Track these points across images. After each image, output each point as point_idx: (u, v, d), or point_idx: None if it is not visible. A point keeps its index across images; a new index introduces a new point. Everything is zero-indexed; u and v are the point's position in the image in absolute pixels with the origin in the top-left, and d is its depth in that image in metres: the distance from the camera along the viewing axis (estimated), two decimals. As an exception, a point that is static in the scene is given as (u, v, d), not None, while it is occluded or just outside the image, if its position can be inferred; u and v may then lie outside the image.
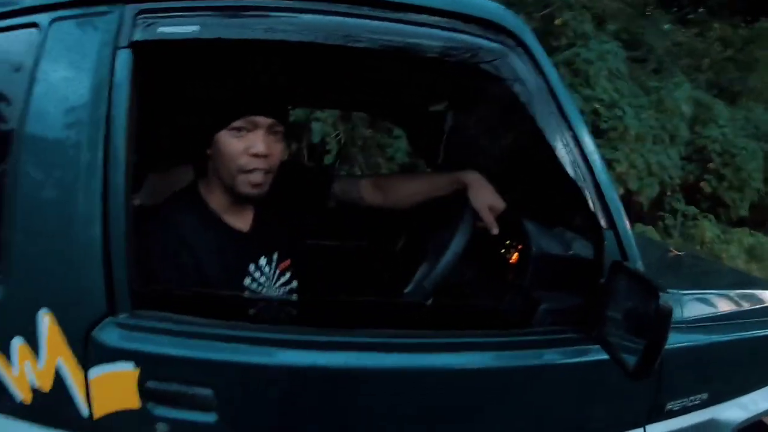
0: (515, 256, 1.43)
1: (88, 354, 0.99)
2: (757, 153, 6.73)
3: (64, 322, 0.99)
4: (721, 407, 1.46)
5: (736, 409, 1.51)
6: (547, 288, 1.27)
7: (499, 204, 1.34)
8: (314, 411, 1.07)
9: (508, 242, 1.44)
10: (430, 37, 1.03)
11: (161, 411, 1.01)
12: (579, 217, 1.28)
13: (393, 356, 1.09)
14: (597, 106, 5.52)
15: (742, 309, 1.58)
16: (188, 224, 1.24)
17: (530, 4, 6.05)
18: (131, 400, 1.00)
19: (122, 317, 0.99)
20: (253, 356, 1.03)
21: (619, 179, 5.53)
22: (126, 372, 1.00)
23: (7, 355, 1.00)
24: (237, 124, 1.22)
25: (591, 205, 1.13)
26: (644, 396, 1.29)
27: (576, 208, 1.18)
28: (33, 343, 1.00)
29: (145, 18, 0.98)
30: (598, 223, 1.14)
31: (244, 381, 1.04)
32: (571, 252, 1.36)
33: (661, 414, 1.33)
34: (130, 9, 0.99)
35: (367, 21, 1.01)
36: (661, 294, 0.96)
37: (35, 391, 1.00)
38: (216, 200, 1.31)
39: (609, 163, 5.15)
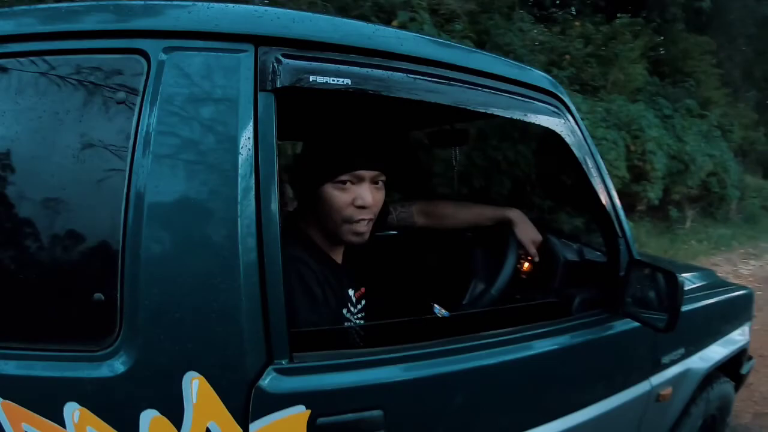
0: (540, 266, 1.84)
1: (252, 409, 1.00)
2: (618, 142, 7.40)
3: (219, 382, 0.98)
4: (693, 359, 2.06)
5: (701, 360, 2.14)
6: (574, 286, 1.74)
7: (539, 237, 1.74)
8: (466, 409, 1.26)
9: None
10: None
11: None
12: (602, 229, 1.70)
13: (506, 350, 1.36)
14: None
15: (694, 286, 2.21)
16: (308, 260, 1.33)
17: (367, 6, 5.96)
18: None
19: (283, 363, 1.03)
20: (414, 371, 1.18)
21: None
22: (296, 416, 1.03)
23: None
24: (343, 177, 1.33)
25: (613, 221, 1.62)
26: (648, 355, 1.81)
27: (600, 223, 1.65)
28: (172, 412, 0.96)
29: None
30: (617, 233, 1.62)
31: (408, 395, 1.16)
32: (585, 258, 1.90)
33: (659, 366, 1.85)
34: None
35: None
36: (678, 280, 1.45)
37: None
38: (318, 237, 1.42)
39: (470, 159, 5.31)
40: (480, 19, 8.67)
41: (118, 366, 0.94)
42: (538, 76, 1.47)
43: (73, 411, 0.94)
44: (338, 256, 1.46)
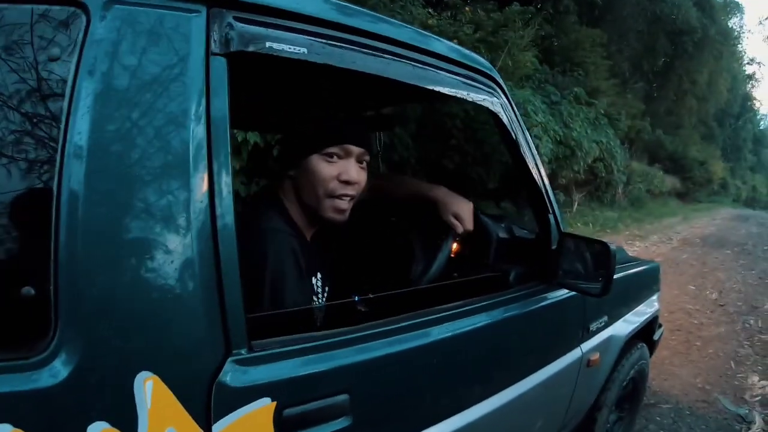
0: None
1: (214, 408, 0.92)
2: None
3: (175, 382, 0.88)
4: (614, 326, 2.32)
5: (622, 327, 2.41)
6: (508, 261, 1.84)
7: (465, 209, 1.75)
8: (427, 378, 1.33)
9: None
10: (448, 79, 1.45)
11: None
12: (531, 205, 1.82)
13: (457, 324, 1.43)
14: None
15: None
16: (289, 233, 1.36)
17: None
18: None
19: (243, 353, 0.96)
20: (374, 351, 1.18)
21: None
22: (261, 409, 0.98)
23: None
24: (332, 150, 1.35)
25: (544, 197, 1.76)
26: (579, 323, 2.00)
27: (532, 199, 1.78)
28: (124, 421, 0.85)
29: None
30: (547, 208, 1.76)
31: (370, 375, 1.18)
32: (515, 235, 1.97)
33: (587, 334, 2.05)
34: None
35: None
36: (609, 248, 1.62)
37: None
38: (295, 212, 1.43)
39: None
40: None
41: (55, 373, 0.80)
42: (477, 59, 1.57)
43: None
44: (308, 235, 1.47)
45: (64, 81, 0.84)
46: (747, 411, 4.09)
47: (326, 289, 1.49)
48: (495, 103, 1.59)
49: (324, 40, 1.12)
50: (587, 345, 2.07)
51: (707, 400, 4.24)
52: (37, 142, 0.83)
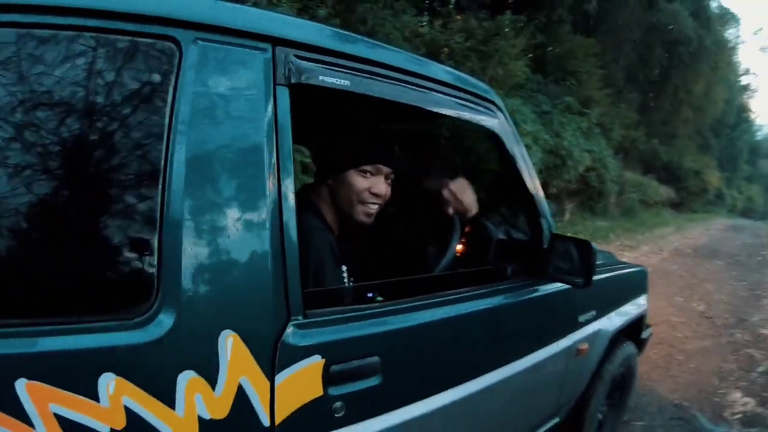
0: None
1: (278, 362, 1.17)
2: None
3: (250, 339, 1.13)
4: (602, 321, 2.61)
5: (609, 322, 2.70)
6: (506, 259, 2.13)
7: (467, 203, 2.13)
8: (440, 350, 1.59)
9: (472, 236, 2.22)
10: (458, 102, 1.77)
11: (338, 390, 1.28)
12: (526, 211, 2.15)
13: (466, 305, 1.73)
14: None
15: (599, 261, 2.51)
16: (326, 229, 1.70)
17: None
18: (315, 390, 1.24)
19: (300, 319, 1.22)
20: (400, 323, 1.46)
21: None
22: (313, 365, 1.23)
23: (170, 399, 1.04)
24: (366, 167, 1.73)
25: (537, 203, 2.08)
26: (568, 314, 2.30)
27: (527, 205, 2.10)
28: (208, 372, 1.08)
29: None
30: (540, 213, 2.09)
31: (397, 342, 1.45)
32: (513, 237, 2.34)
33: (576, 325, 2.34)
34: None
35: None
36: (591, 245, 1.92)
37: (205, 425, 1.07)
38: (327, 212, 1.79)
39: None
40: (355, 7, 8.60)
41: (155, 331, 1.04)
42: (479, 85, 1.89)
43: (108, 382, 0.98)
44: (336, 233, 1.80)
45: (165, 100, 1.09)
46: (726, 430, 3.99)
47: (351, 279, 1.76)
48: (496, 124, 1.92)
49: (362, 75, 1.42)
50: (576, 335, 2.35)
51: (684, 417, 4.13)
52: (146, 150, 1.07)
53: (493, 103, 1.91)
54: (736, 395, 4.68)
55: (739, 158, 55.53)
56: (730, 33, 40.32)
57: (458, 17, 11.80)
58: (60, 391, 0.94)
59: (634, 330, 3.15)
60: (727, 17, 39.17)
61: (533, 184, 2.09)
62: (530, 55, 13.81)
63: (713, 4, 33.61)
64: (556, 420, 2.51)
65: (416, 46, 9.76)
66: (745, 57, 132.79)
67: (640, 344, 3.33)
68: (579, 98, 15.79)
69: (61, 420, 0.93)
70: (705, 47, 28.68)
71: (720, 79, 36.73)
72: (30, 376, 0.91)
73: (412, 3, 10.52)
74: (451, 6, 12.24)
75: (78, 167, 1.03)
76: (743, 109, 53.72)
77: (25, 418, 0.91)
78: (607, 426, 3.12)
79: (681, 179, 31.40)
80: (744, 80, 49.73)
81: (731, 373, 5.24)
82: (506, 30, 11.89)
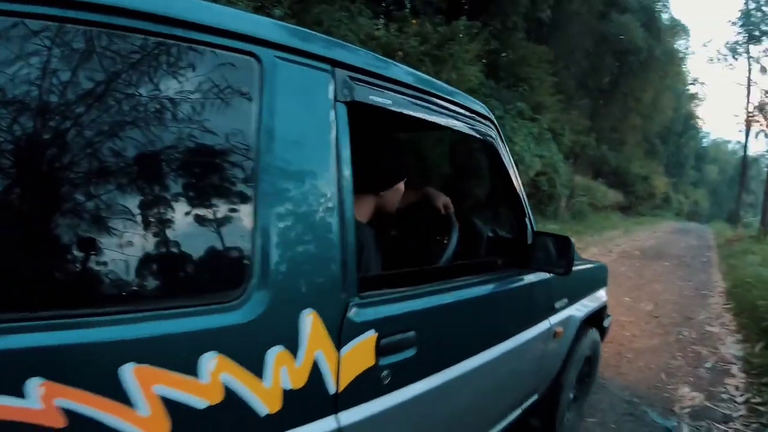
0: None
1: (343, 336, 1.42)
2: (444, 140, 7.76)
3: (326, 317, 1.38)
4: (573, 308, 2.98)
5: (578, 310, 3.07)
6: (495, 253, 2.51)
7: (444, 199, 2.51)
8: (457, 326, 1.91)
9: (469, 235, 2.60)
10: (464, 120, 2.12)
11: (386, 360, 1.55)
12: (513, 212, 2.48)
13: (474, 289, 2.05)
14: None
15: None
16: (368, 226, 2.03)
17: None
18: (369, 360, 1.50)
19: (358, 299, 1.48)
20: (431, 302, 1.77)
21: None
22: (369, 338, 1.49)
23: (260, 372, 1.21)
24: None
25: (523, 205, 2.43)
26: (547, 300, 2.65)
27: (514, 207, 2.44)
28: (292, 345, 1.31)
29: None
30: (525, 213, 2.44)
31: (427, 319, 1.74)
32: (499, 234, 2.75)
33: (553, 310, 2.70)
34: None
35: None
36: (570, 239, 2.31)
37: (287, 396, 1.27)
38: (366, 212, 2.12)
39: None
40: (311, 7, 8.54)
41: (247, 313, 1.21)
42: (479, 105, 2.22)
43: (209, 360, 1.11)
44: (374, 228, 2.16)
45: (250, 109, 1.29)
46: (676, 423, 4.13)
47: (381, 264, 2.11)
48: (493, 138, 2.27)
49: (400, 95, 1.72)
50: (554, 319, 2.74)
51: (634, 413, 4.27)
52: (242, 154, 1.26)
53: (490, 120, 2.27)
54: (685, 390, 4.86)
55: (685, 164, 57.94)
56: (680, 44, 42.04)
57: (414, 21, 11.91)
58: (164, 371, 1.05)
59: (597, 318, 3.56)
60: (678, 29, 41.21)
61: (520, 188, 2.46)
62: (484, 61, 14.06)
63: (665, 16, 34.89)
64: (535, 397, 2.87)
65: (371, 49, 9.70)
66: (694, 67, 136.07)
67: (603, 331, 3.74)
68: (531, 104, 16.15)
69: (164, 400, 1.04)
70: (655, 57, 29.72)
71: (668, 87, 38.21)
72: (139, 360, 1.01)
73: (369, 6, 10.54)
74: (407, 10, 12.30)
75: (188, 173, 1.21)
76: (690, 117, 56.23)
77: (127, 401, 1.00)
78: (577, 404, 3.55)
79: (629, 184, 32.54)
80: (692, 89, 51.64)
81: (679, 369, 5.46)
82: (461, 35, 12.07)
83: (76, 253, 1.01)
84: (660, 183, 40.50)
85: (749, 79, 28.60)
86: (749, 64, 29.34)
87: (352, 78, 1.53)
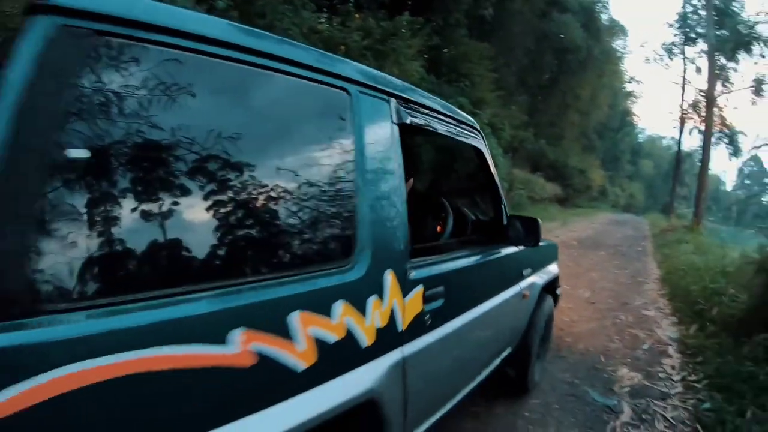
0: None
1: (405, 289, 2.08)
2: None
3: (398, 275, 2.03)
4: (535, 276, 3.77)
5: (539, 278, 3.85)
6: (478, 232, 3.29)
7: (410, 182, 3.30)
8: (466, 283, 2.62)
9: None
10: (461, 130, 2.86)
11: (428, 307, 2.22)
12: (493, 201, 3.21)
13: (475, 257, 2.77)
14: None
15: None
16: None
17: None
18: (419, 307, 2.16)
19: (410, 263, 2.13)
20: (450, 267, 2.46)
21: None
22: (419, 292, 2.15)
23: (363, 312, 1.81)
24: None
25: (500, 195, 3.14)
26: (518, 268, 3.38)
27: (493, 197, 3.17)
28: (381, 295, 1.94)
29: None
30: (502, 201, 3.16)
31: (449, 278, 2.40)
32: (481, 218, 3.51)
33: (522, 277, 3.46)
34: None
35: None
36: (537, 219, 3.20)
37: (378, 331, 1.89)
38: None
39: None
40: (254, 0, 8.42)
41: (357, 273, 1.83)
42: (470, 119, 2.93)
43: (338, 306, 1.69)
44: None
45: (347, 128, 1.88)
46: (616, 402, 4.36)
47: None
48: (479, 144, 3.00)
49: (427, 116, 2.40)
50: (522, 284, 3.53)
51: (576, 393, 4.51)
52: (349, 165, 1.85)
53: (477, 129, 3.03)
54: (624, 371, 5.14)
55: (621, 158, 60.24)
56: (618, 44, 43.66)
57: (357, 16, 11.87)
58: (314, 315, 1.59)
59: (552, 287, 4.46)
60: (616, 29, 42.71)
61: (498, 182, 3.24)
62: (426, 56, 14.24)
63: (604, 17, 35.91)
64: (509, 350, 3.64)
65: (314, 43, 9.73)
66: (632, 65, 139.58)
67: (556, 298, 4.64)
68: (471, 99, 16.45)
69: (314, 337, 1.58)
70: (593, 56, 30.68)
71: (606, 85, 39.44)
72: (301, 309, 1.54)
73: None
74: (350, 4, 12.26)
75: (317, 179, 1.74)
76: (627, 114, 58.89)
77: (291, 338, 1.50)
78: (540, 360, 4.38)
79: (567, 177, 33.72)
80: (629, 87, 53.21)
81: (617, 351, 5.79)
82: (404, 31, 12.14)
83: (261, 240, 1.51)
84: (597, 176, 42.63)
85: (684, 79, 30.49)
86: (684, 65, 31.22)
87: (399, 104, 2.22)
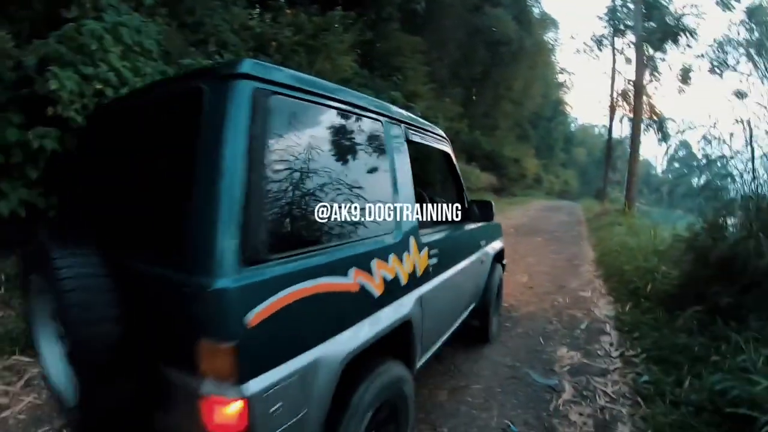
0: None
1: (420, 247, 3.20)
2: None
3: (417, 240, 3.15)
4: (488, 247, 4.97)
5: (491, 249, 5.11)
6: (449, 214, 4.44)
7: None
8: (451, 247, 3.88)
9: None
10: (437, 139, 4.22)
11: (431, 262, 3.34)
12: (457, 190, 4.50)
13: (458, 231, 4.15)
14: (100, 86, 5.38)
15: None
16: None
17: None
18: (425, 262, 3.26)
19: (419, 233, 3.30)
20: (439, 235, 3.62)
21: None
22: (426, 251, 3.27)
23: (401, 261, 2.88)
24: None
25: (463, 187, 4.52)
26: (477, 240, 4.59)
27: (457, 189, 4.50)
28: (409, 252, 3.02)
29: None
30: (464, 191, 4.52)
31: (442, 244, 3.57)
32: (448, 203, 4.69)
33: (481, 246, 4.73)
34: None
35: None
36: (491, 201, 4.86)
37: (408, 275, 2.98)
38: None
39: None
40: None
41: (397, 237, 2.93)
42: (442, 130, 4.23)
43: (391, 258, 2.82)
44: None
45: (384, 146, 2.96)
46: (557, 381, 4.52)
47: None
48: (447, 148, 4.24)
49: (420, 133, 3.55)
50: (480, 252, 4.76)
51: (517, 376, 4.67)
52: (387, 173, 2.96)
53: (446, 138, 4.29)
54: (563, 351, 5.36)
55: (555, 147, 62.34)
56: (549, 36, 44.92)
57: (289, 11, 11.65)
58: (382, 262, 2.69)
59: (500, 258, 5.68)
60: (548, 22, 44.10)
61: (461, 177, 4.51)
62: (358, 51, 14.17)
63: (536, 10, 36.53)
64: (474, 304, 4.81)
65: (245, 39, 9.63)
66: (563, 57, 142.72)
67: (503, 267, 5.89)
68: (405, 93, 16.60)
69: (381, 274, 2.64)
70: (525, 48, 31.56)
71: (538, 76, 40.34)
72: (378, 257, 2.66)
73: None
74: (282, 0, 12.04)
75: (378, 181, 2.77)
76: (559, 104, 61.08)
77: (372, 275, 2.57)
78: (496, 313, 5.55)
79: (502, 166, 34.88)
80: (560, 78, 54.61)
81: (556, 332, 6.05)
82: (336, 26, 11.99)
83: (360, 218, 2.58)
84: (531, 165, 44.66)
85: (614, 69, 31.98)
86: (614, 55, 32.85)
87: (406, 127, 3.32)
